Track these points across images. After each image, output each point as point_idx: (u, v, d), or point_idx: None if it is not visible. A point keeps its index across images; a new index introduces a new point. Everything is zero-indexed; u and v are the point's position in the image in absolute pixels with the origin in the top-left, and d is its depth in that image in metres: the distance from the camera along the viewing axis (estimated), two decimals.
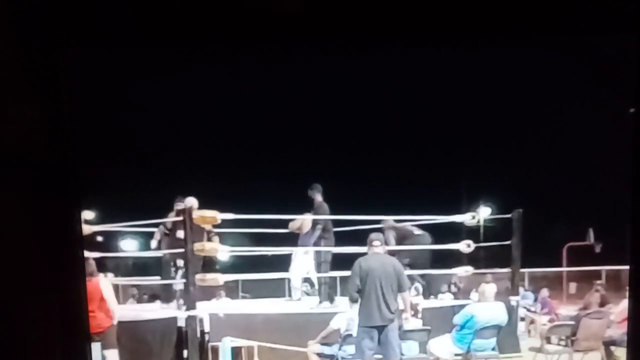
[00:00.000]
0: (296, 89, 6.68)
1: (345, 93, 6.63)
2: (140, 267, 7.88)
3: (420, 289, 7.52)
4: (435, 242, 7.13)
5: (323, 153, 7.08)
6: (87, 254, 6.67)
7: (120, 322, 6.18)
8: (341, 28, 2.57)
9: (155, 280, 7.55)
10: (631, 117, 2.45)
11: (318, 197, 7.07)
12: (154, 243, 7.12)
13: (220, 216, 6.63)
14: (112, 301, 6.01)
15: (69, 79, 2.54)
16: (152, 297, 7.96)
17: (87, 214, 7.12)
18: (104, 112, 5.17)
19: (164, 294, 7.36)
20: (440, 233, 7.15)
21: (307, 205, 7.20)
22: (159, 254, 7.13)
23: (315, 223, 7.11)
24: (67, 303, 2.65)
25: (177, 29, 2.51)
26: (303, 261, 7.37)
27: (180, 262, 6.88)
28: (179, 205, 6.80)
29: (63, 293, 2.63)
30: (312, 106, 6.83)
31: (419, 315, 6.77)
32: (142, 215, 6.95)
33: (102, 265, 7.20)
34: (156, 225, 7.09)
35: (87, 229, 6.81)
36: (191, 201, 6.71)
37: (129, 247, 7.83)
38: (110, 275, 7.55)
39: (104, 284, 6.04)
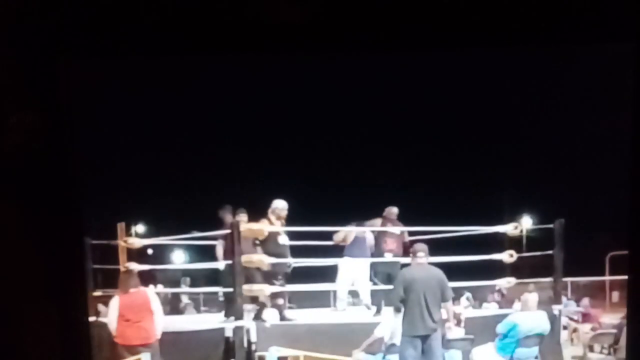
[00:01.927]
0: (319, 98, 6.73)
1: (377, 102, 6.70)
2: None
3: (472, 300, 7.57)
4: (479, 252, 7.18)
5: (362, 165, 7.15)
6: (132, 266, 6.91)
7: (169, 333, 6.38)
8: (345, 36, 2.64)
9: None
10: None
11: (228, 218, 7.06)
12: (221, 263, 7.09)
13: (267, 229, 6.78)
14: (159, 314, 6.18)
15: (69, 88, 2.63)
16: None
17: (140, 228, 7.36)
18: (104, 120, 5.29)
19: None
20: (483, 243, 7.19)
21: (351, 217, 7.39)
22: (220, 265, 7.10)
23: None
24: (67, 313, 2.72)
25: (177, 40, 2.60)
26: (348, 272, 7.50)
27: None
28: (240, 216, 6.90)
29: (63, 303, 2.70)
30: (341, 117, 6.87)
31: (462, 324, 6.80)
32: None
33: (152, 277, 7.40)
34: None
35: (138, 242, 7.05)
36: (282, 204, 6.89)
37: (178, 260, 7.96)
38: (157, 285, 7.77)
39: (153, 296, 6.22)
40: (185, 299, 8.55)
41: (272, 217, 6.93)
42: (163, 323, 6.24)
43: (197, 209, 7.25)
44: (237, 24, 2.57)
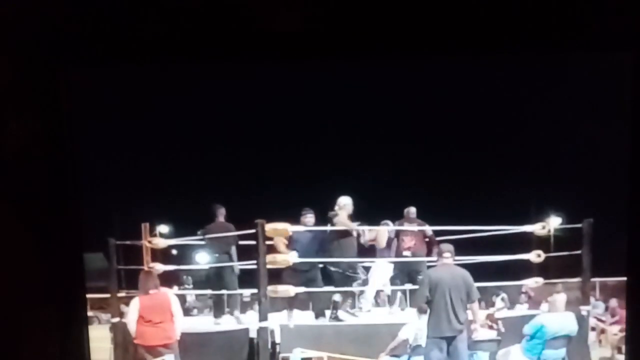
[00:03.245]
0: (339, 104, 6.70)
1: (401, 105, 6.68)
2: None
3: (507, 301, 7.51)
4: (506, 252, 7.13)
5: (388, 166, 7.11)
6: (158, 266, 6.93)
7: (193, 334, 6.41)
8: (347, 44, 2.62)
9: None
10: None
11: (220, 218, 7.13)
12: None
13: (291, 228, 6.76)
14: (179, 315, 6.19)
15: (69, 95, 2.62)
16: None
17: (163, 228, 7.38)
18: (101, 126, 5.30)
19: None
20: (510, 243, 7.13)
21: (379, 217, 7.34)
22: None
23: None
24: (65, 317, 2.71)
25: (177, 47, 2.58)
26: (380, 274, 7.45)
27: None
28: (307, 216, 6.89)
29: (62, 307, 2.69)
30: (371, 119, 6.85)
31: (495, 326, 6.72)
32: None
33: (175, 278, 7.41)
34: None
35: (162, 242, 7.07)
36: (346, 200, 6.89)
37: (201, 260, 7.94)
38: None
39: (173, 297, 6.23)
40: (189, 299, 8.52)
41: (345, 214, 6.91)
42: (182, 324, 6.26)
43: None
44: (237, 32, 2.57)
